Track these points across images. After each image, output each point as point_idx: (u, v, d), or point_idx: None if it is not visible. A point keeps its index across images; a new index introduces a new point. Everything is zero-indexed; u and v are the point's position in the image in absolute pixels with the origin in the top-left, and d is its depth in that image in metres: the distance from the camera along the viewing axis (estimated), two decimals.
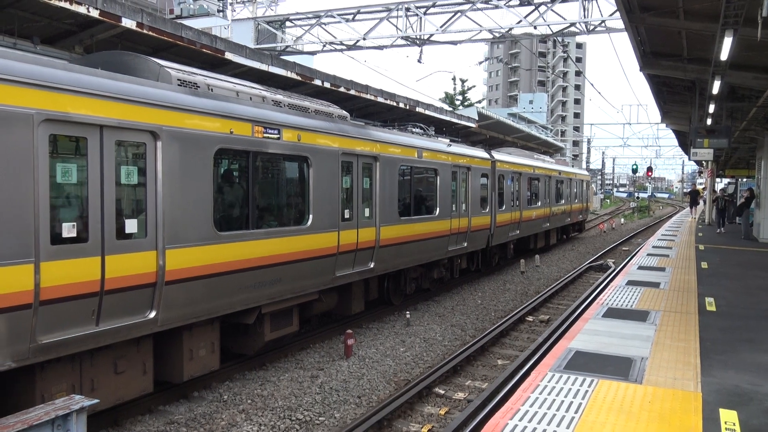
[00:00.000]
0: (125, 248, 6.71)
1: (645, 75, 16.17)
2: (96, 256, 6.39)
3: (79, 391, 6.61)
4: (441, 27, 20.41)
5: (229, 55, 12.21)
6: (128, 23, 10.00)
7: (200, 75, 8.46)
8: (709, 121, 18.76)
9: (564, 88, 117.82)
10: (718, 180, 40.47)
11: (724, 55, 10.84)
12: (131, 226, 6.83)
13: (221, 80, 8.82)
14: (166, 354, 7.96)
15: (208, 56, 11.98)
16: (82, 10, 9.30)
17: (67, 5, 9.12)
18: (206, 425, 7.50)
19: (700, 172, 60.72)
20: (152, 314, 7.06)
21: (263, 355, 9.94)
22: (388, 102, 18.56)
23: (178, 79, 7.89)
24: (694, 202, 38.71)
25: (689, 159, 42.53)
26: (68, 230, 6.18)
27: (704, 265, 14.95)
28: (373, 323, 12.85)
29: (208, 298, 7.85)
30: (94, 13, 9.50)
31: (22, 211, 5.71)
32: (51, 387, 6.37)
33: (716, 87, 13.76)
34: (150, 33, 10.41)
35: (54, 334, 6.03)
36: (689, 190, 45.69)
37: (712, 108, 16.62)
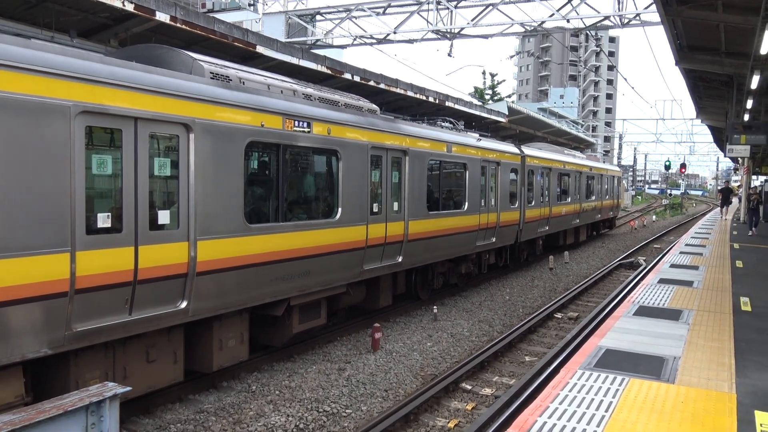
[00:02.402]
0: (158, 239, 6.81)
1: (681, 69, 15.86)
2: (130, 246, 6.50)
3: (112, 378, 6.74)
4: (472, 20, 20.24)
5: (260, 49, 12.31)
6: (162, 17, 10.13)
7: (232, 68, 8.53)
8: (746, 117, 18.36)
9: (596, 83, 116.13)
10: (754, 177, 39.39)
11: (764, 49, 10.57)
12: (164, 217, 6.93)
13: (253, 73, 8.88)
14: (197, 344, 8.07)
15: (240, 50, 12.09)
16: (117, 3, 9.45)
17: None
18: (235, 415, 7.59)
19: (736, 170, 59.28)
20: (183, 304, 7.16)
21: (291, 347, 10.02)
22: (417, 96, 18.53)
23: (211, 72, 7.96)
24: (726, 201, 34.97)
25: (725, 156, 41.28)
26: (103, 220, 6.30)
27: (739, 264, 14.63)
28: (400, 317, 12.85)
29: (238, 289, 7.93)
30: (129, 7, 9.65)
31: (58, 201, 5.82)
32: (85, 374, 6.50)
33: (755, 82, 13.44)
34: (183, 27, 10.53)
35: (88, 322, 6.15)
36: (722, 187, 39.37)
37: (750, 103, 16.25)
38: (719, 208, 36.08)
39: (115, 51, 9.35)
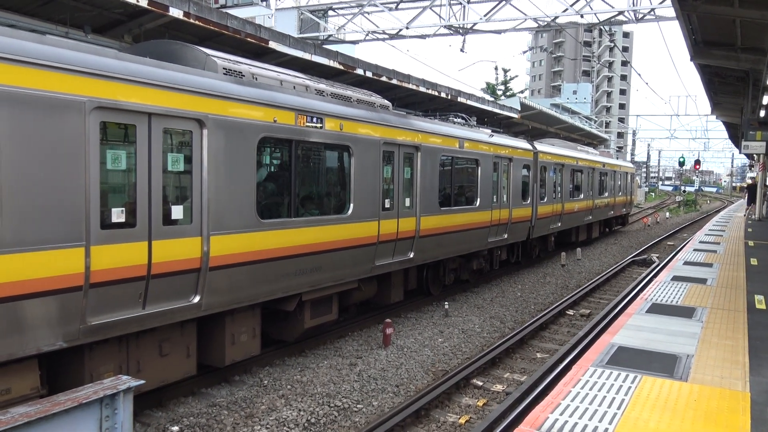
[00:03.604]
0: (171, 234, 6.85)
1: (696, 65, 15.72)
2: (143, 241, 6.54)
3: (126, 371, 6.81)
4: (485, 16, 20.15)
5: (272, 44, 12.32)
6: (175, 13, 10.16)
7: (245, 64, 8.55)
8: (762, 113, 18.16)
9: (609, 79, 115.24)
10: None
11: None
12: (177, 212, 6.97)
13: (265, 69, 8.90)
14: (209, 338, 8.13)
15: (253, 45, 12.11)
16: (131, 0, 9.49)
17: None
18: (247, 409, 7.64)
19: (751, 166, 58.58)
20: (196, 299, 7.20)
21: (303, 342, 10.05)
22: (429, 92, 18.48)
23: (224, 68, 7.98)
24: (753, 199, 32.66)
25: (740, 152, 40.77)
26: (117, 215, 6.35)
27: (754, 261, 14.50)
28: (411, 313, 12.86)
29: (251, 284, 7.96)
30: (143, 3, 9.69)
31: (73, 195, 5.87)
32: (99, 367, 6.56)
33: None
34: (196, 22, 10.57)
35: (103, 316, 6.21)
36: (749, 183, 35.73)
37: (766, 99, 16.06)
38: (747, 205, 33.68)
39: (129, 47, 9.39)
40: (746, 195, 33.63)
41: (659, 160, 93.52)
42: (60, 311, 5.81)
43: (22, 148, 5.47)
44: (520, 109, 26.40)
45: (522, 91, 71.01)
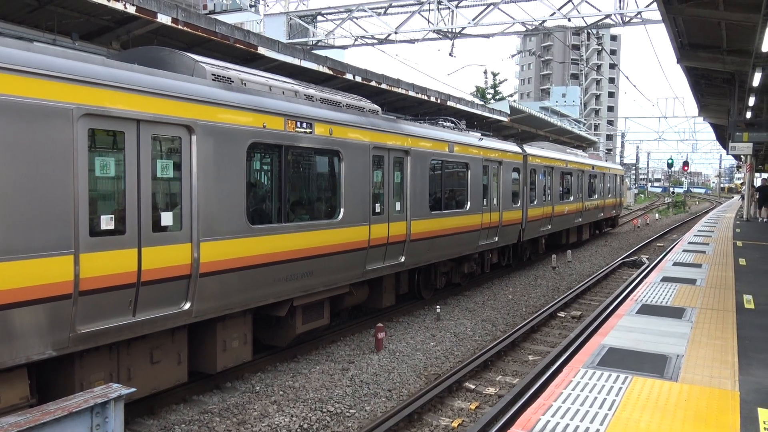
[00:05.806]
0: (161, 241, 6.83)
1: (682, 67, 15.85)
2: (133, 248, 6.52)
3: (117, 379, 6.77)
4: (473, 20, 20.24)
5: (261, 50, 12.33)
6: (164, 19, 10.16)
7: (234, 70, 8.55)
8: (748, 115, 18.33)
9: (598, 81, 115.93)
10: (757, 175, 39.18)
11: (765, 47, 10.56)
12: (167, 219, 6.95)
13: (254, 75, 8.90)
14: (200, 345, 8.09)
15: (241, 51, 12.12)
16: (119, 6, 9.48)
17: (104, 2, 9.31)
18: (239, 415, 7.61)
19: (739, 167, 59.01)
20: (187, 306, 7.18)
21: (295, 348, 10.03)
22: (419, 96, 18.55)
23: (213, 74, 7.98)
24: (764, 201, 28.46)
25: (727, 153, 41.00)
26: (106, 222, 6.32)
27: (742, 261, 14.60)
28: (403, 317, 12.86)
29: (242, 290, 7.94)
30: (131, 10, 9.68)
31: (62, 203, 5.84)
32: (90, 375, 6.52)
33: (757, 79, 13.42)
34: (185, 28, 10.56)
35: (93, 324, 6.17)
36: (760, 185, 29.87)
37: (752, 101, 16.23)
38: (758, 209, 29.80)
39: (117, 53, 9.37)
40: (757, 196, 29.57)
41: (648, 161, 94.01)
42: (49, 319, 5.77)
43: (10, 155, 5.44)
44: (509, 112, 26.53)
45: (511, 95, 71.22)
